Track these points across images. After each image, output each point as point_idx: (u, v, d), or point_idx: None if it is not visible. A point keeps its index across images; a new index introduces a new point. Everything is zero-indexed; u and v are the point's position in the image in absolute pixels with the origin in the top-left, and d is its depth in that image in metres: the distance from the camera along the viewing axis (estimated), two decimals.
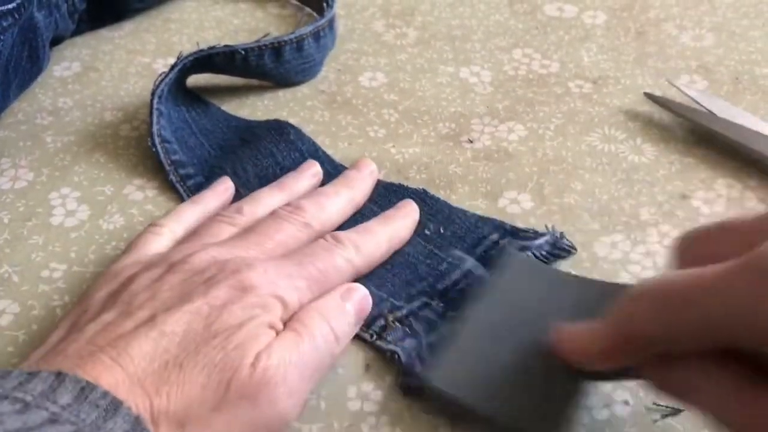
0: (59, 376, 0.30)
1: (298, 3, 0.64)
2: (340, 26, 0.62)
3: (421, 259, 0.43)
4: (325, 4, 0.59)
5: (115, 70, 0.58)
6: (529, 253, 0.42)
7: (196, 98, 0.54)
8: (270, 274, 0.37)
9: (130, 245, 0.42)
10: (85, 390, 0.30)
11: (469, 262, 0.42)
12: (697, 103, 0.52)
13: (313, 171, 0.48)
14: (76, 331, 0.35)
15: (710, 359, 0.28)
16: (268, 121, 0.52)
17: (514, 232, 0.44)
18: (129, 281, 0.38)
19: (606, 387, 0.37)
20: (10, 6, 0.50)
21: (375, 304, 0.40)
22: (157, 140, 0.48)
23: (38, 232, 0.46)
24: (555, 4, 0.64)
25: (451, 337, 0.37)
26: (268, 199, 0.45)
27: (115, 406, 0.30)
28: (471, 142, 0.51)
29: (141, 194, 0.48)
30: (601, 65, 0.58)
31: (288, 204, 0.44)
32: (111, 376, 0.32)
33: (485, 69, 0.57)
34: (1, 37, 0.50)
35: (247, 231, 0.42)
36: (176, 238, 0.43)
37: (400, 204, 0.46)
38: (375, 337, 0.39)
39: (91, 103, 0.55)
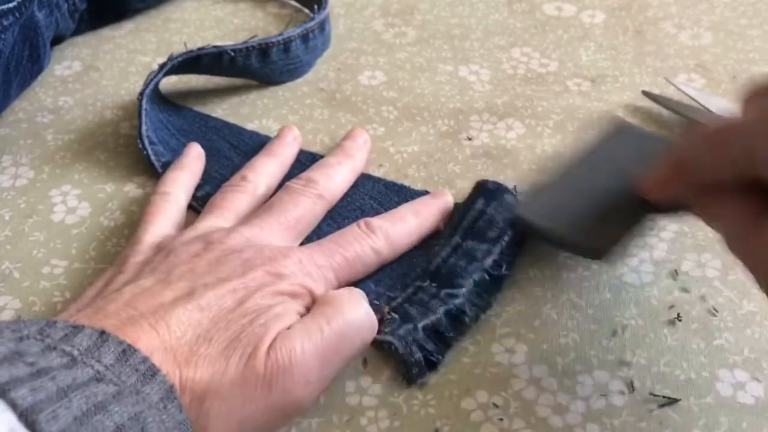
0: (102, 335, 0.32)
1: (297, 4, 0.64)
2: (340, 25, 0.62)
3: (414, 250, 0.44)
4: (316, 7, 0.59)
5: (116, 69, 0.59)
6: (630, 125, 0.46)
7: (165, 99, 0.55)
8: (304, 264, 0.39)
9: (147, 214, 0.44)
10: (126, 353, 0.31)
11: (456, 237, 0.43)
12: (695, 101, 0.52)
13: (292, 135, 0.50)
14: (113, 291, 0.37)
15: (738, 192, 0.32)
16: (259, 135, 0.52)
17: (496, 191, 0.45)
18: (166, 252, 0.39)
19: (602, 377, 0.38)
20: (10, 5, 0.51)
21: (373, 300, 0.41)
22: (146, 142, 0.49)
23: (39, 229, 0.46)
24: (554, 3, 0.64)
25: (545, 182, 0.42)
26: (264, 166, 0.47)
27: (152, 372, 0.31)
28: (470, 139, 0.52)
29: (141, 191, 0.49)
30: (600, 64, 0.58)
31: (298, 177, 0.46)
32: (148, 341, 0.33)
33: (484, 68, 0.58)
34: (2, 36, 0.51)
35: (268, 208, 0.44)
36: (180, 202, 0.46)
37: (436, 192, 0.47)
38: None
39: (91, 101, 0.56)
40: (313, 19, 0.57)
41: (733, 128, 0.32)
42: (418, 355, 0.38)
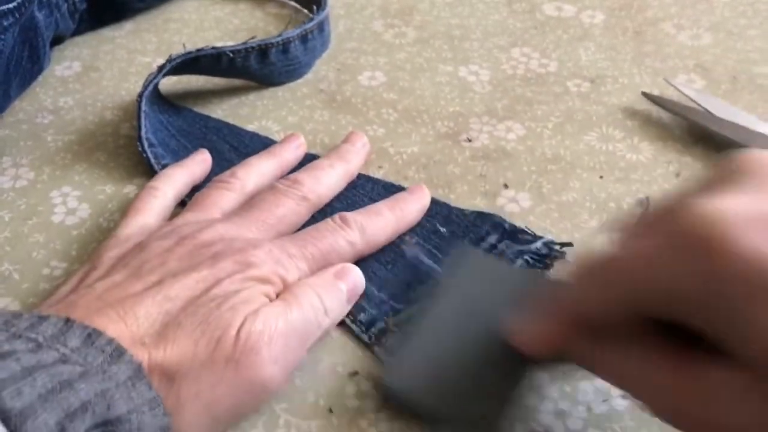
0: (68, 321, 0.32)
1: (296, 4, 0.64)
2: (340, 26, 0.62)
3: (421, 259, 0.43)
4: (315, 7, 0.59)
5: (116, 69, 0.59)
6: (483, 250, 0.43)
7: (165, 100, 0.55)
8: (274, 253, 0.39)
9: (131, 209, 0.44)
10: (92, 336, 0.32)
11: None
12: (695, 102, 0.52)
13: (297, 142, 0.50)
14: (85, 286, 0.37)
15: (637, 334, 0.30)
16: (260, 136, 0.52)
17: (513, 233, 0.45)
18: (139, 248, 0.39)
19: (603, 382, 0.38)
20: (10, 5, 0.51)
21: (375, 305, 0.41)
22: (145, 144, 0.49)
23: (39, 231, 0.46)
24: (553, 3, 0.64)
25: (407, 337, 0.38)
26: (259, 165, 0.47)
27: (119, 352, 0.32)
28: (470, 141, 0.52)
29: None
30: (599, 64, 0.58)
31: (285, 178, 0.46)
32: (115, 329, 0.33)
33: (484, 68, 0.58)
34: (2, 37, 0.51)
35: (249, 206, 0.44)
36: (168, 199, 0.45)
37: (413, 188, 0.47)
38: (373, 339, 0.40)
39: (91, 102, 0.56)
40: (312, 20, 0.57)
41: (615, 264, 0.30)
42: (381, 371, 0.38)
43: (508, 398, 0.35)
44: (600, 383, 0.38)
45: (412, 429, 0.36)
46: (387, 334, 0.40)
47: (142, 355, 0.33)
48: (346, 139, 0.50)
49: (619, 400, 0.37)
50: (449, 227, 0.45)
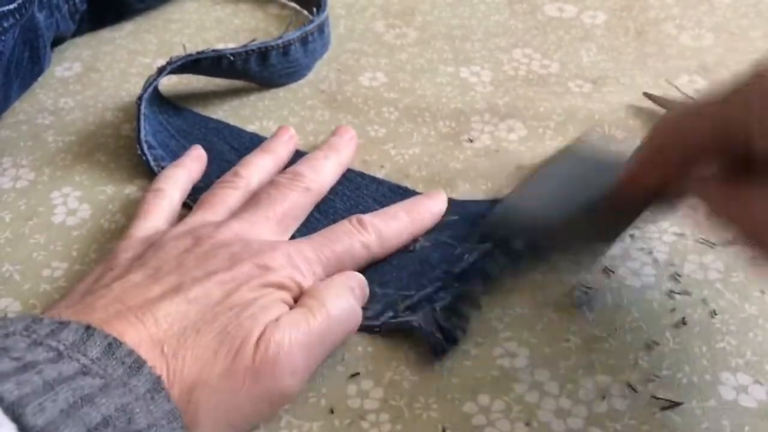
0: (88, 329, 0.32)
1: (296, 6, 0.64)
2: (340, 26, 0.62)
3: (431, 249, 0.43)
4: (315, 9, 0.59)
5: (116, 70, 0.59)
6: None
7: (165, 100, 0.55)
8: (292, 257, 0.39)
9: (140, 212, 0.44)
10: (112, 346, 0.32)
11: (485, 247, 0.42)
12: None
13: (289, 134, 0.50)
14: (103, 287, 0.37)
15: (716, 160, 0.34)
16: (260, 137, 0.52)
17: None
18: (155, 248, 0.39)
19: (604, 380, 0.38)
20: (11, 6, 0.50)
21: (378, 300, 0.41)
22: (145, 147, 0.49)
23: (40, 231, 0.46)
24: (555, 4, 0.64)
25: (511, 194, 0.42)
26: (259, 162, 0.48)
27: (139, 364, 0.32)
28: (471, 141, 0.52)
29: (142, 193, 0.48)
30: (601, 65, 0.58)
31: (285, 171, 0.46)
32: (135, 334, 0.33)
33: (485, 69, 0.58)
34: (3, 38, 0.51)
35: (256, 203, 0.44)
36: (174, 201, 0.46)
37: (432, 193, 0.47)
38: (383, 328, 0.40)
39: (92, 103, 0.56)
40: (312, 21, 0.57)
41: (704, 107, 0.34)
42: (438, 334, 0.39)
43: (620, 226, 0.39)
44: (601, 382, 0.38)
45: (415, 428, 0.36)
46: (398, 317, 0.40)
47: (161, 366, 0.33)
48: (334, 133, 0.50)
49: (619, 399, 0.37)
50: (460, 215, 0.45)
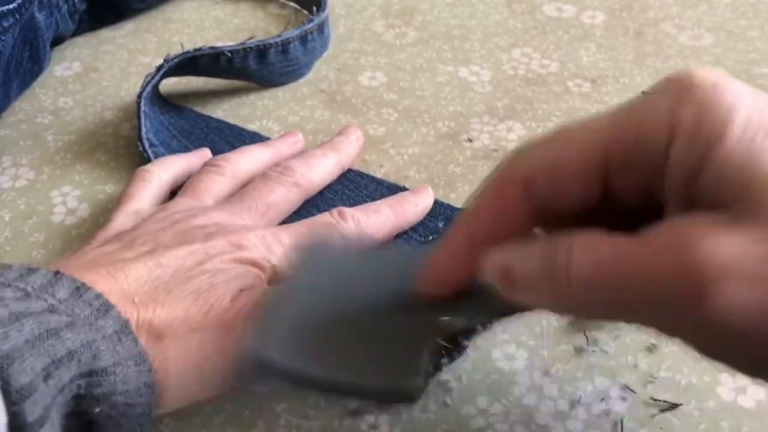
0: (57, 274, 0.32)
1: (296, 5, 0.64)
2: (340, 26, 0.62)
3: (407, 245, 0.44)
4: (315, 9, 0.59)
5: (116, 69, 0.59)
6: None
7: (166, 101, 0.55)
8: (267, 240, 0.39)
9: (124, 195, 0.44)
10: (80, 289, 0.32)
11: None
12: None
13: (295, 138, 0.50)
14: (79, 254, 0.37)
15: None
16: (261, 136, 0.52)
17: None
18: (132, 228, 0.40)
19: (602, 383, 0.38)
20: (11, 6, 0.50)
21: None
22: (146, 144, 0.49)
23: (39, 230, 0.46)
24: (554, 4, 0.64)
25: (278, 307, 0.34)
26: (253, 151, 0.48)
27: (106, 307, 0.32)
28: (470, 141, 0.52)
29: None
30: (600, 65, 0.58)
31: (277, 165, 0.46)
32: (106, 284, 0.33)
33: (484, 68, 0.58)
34: (2, 38, 0.51)
35: (241, 195, 0.44)
36: (162, 182, 0.45)
37: (416, 188, 0.47)
38: None
39: (91, 102, 0.56)
40: (312, 20, 0.57)
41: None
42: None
43: (425, 352, 0.31)
44: (599, 384, 0.38)
45: (413, 430, 0.36)
46: None
47: (130, 313, 0.33)
48: (341, 132, 0.50)
49: (618, 401, 0.37)
50: (448, 220, 0.45)
